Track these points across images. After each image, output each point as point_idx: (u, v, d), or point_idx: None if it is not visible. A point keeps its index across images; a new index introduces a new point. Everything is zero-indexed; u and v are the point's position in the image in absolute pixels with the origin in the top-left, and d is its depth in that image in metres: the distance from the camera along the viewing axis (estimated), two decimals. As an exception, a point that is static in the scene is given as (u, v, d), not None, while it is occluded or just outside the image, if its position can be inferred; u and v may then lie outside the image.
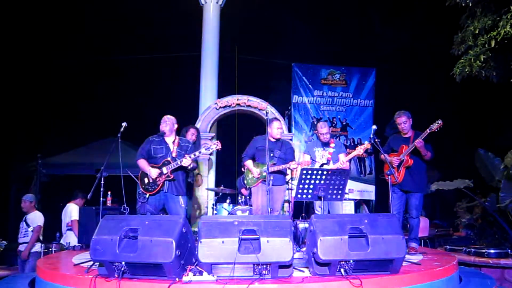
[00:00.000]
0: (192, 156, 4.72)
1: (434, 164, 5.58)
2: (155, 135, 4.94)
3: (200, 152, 4.87)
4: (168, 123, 4.88)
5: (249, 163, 5.40)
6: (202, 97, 9.93)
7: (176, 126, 4.97)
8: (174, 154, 4.80)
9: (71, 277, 3.15)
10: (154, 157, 4.79)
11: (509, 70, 5.76)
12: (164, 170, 4.67)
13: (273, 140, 5.30)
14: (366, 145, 5.02)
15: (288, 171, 5.46)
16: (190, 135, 6.05)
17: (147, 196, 4.67)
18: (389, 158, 4.95)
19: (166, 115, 4.95)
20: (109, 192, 6.10)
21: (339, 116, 9.80)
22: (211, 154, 8.23)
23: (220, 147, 4.83)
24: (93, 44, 12.67)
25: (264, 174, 5.18)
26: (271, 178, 4.95)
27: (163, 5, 12.03)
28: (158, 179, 4.65)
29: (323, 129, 5.27)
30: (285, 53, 11.44)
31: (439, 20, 8.67)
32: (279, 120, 5.43)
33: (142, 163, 4.74)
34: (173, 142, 4.89)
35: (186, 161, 4.67)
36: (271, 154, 5.14)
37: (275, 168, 5.17)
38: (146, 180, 4.72)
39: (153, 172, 4.65)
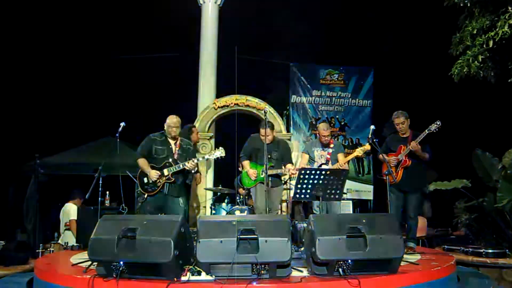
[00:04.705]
0: (196, 160, 4.70)
1: (432, 164, 5.57)
2: (157, 133, 4.85)
3: (204, 158, 4.86)
4: (179, 127, 4.81)
5: (246, 163, 5.40)
6: (200, 97, 9.92)
7: None
8: (176, 157, 4.74)
9: (69, 277, 3.15)
10: (155, 157, 4.72)
11: (507, 70, 5.78)
12: (166, 172, 4.62)
13: (266, 142, 5.27)
14: (366, 147, 5.03)
15: (286, 171, 5.47)
16: (195, 134, 6.07)
17: (145, 196, 4.64)
18: (387, 158, 4.96)
19: (173, 116, 4.80)
20: (107, 192, 6.08)
21: (337, 116, 9.81)
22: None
23: (224, 154, 4.80)
24: (92, 43, 12.64)
25: (262, 176, 5.19)
26: (270, 179, 4.95)
27: (162, 5, 12.01)
28: (158, 180, 4.62)
29: (326, 131, 5.26)
30: (283, 53, 11.44)
31: (437, 20, 8.68)
32: (267, 127, 5.19)
33: (143, 163, 4.68)
34: (175, 143, 4.82)
35: (191, 165, 4.63)
36: (268, 156, 5.13)
37: (273, 172, 5.17)
38: (145, 180, 4.67)
39: (153, 175, 4.59)
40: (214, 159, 4.85)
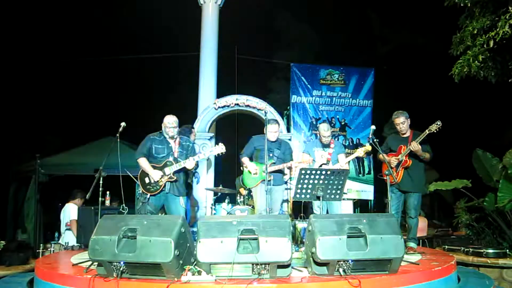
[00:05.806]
0: (197, 158, 4.69)
1: (433, 164, 5.56)
2: (155, 133, 4.86)
3: (204, 154, 4.85)
4: (176, 127, 4.76)
5: (246, 159, 5.39)
6: (201, 97, 9.91)
7: None
8: (176, 155, 4.74)
9: (70, 277, 3.15)
10: (155, 156, 4.72)
11: (507, 70, 5.77)
12: (167, 171, 4.61)
13: (271, 140, 5.28)
14: (367, 147, 5.02)
15: (287, 171, 5.47)
16: (193, 135, 6.07)
17: (148, 196, 4.63)
18: (388, 158, 4.96)
19: (170, 115, 4.78)
20: (107, 192, 6.09)
21: (337, 116, 9.80)
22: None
23: (225, 150, 4.78)
24: (92, 44, 12.65)
25: (263, 175, 5.18)
26: (271, 178, 4.94)
27: (162, 5, 12.02)
28: (160, 179, 4.62)
29: (326, 132, 5.25)
30: (284, 53, 11.44)
31: (437, 20, 8.68)
32: (276, 123, 5.30)
33: (143, 162, 4.67)
34: (175, 141, 4.82)
35: (190, 164, 4.63)
36: (270, 154, 5.13)
37: (275, 168, 5.17)
38: (147, 180, 4.66)
39: (155, 174, 4.59)
40: (215, 157, 4.84)
